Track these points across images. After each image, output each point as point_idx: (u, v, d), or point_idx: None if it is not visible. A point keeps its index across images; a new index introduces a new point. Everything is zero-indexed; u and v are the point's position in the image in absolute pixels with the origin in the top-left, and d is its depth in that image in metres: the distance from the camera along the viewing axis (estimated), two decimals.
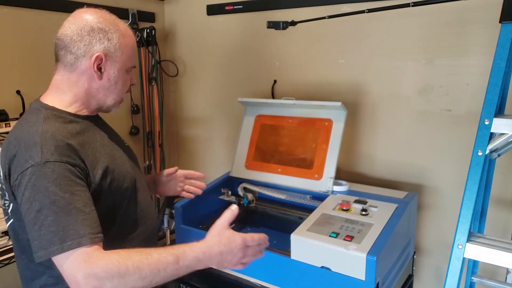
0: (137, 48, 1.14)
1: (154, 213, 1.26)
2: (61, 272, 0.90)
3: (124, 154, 1.18)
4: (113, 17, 1.08)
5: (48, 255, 0.88)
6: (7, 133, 1.63)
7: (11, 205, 1.02)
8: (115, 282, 0.87)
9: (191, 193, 1.43)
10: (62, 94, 1.07)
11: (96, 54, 1.03)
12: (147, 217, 1.19)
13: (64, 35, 1.04)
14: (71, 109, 1.07)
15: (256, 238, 1.01)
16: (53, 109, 1.04)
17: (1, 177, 1.03)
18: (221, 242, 0.97)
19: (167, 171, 1.40)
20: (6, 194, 1.02)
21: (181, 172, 1.42)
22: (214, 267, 0.99)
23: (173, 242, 1.71)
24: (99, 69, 1.05)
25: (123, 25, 1.09)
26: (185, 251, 0.95)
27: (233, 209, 1.02)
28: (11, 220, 1.05)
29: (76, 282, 0.87)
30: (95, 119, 1.13)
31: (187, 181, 1.43)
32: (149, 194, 1.24)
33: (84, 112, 1.09)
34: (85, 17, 1.04)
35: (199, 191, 1.44)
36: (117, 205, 1.08)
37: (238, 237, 0.98)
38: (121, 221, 1.10)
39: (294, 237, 1.32)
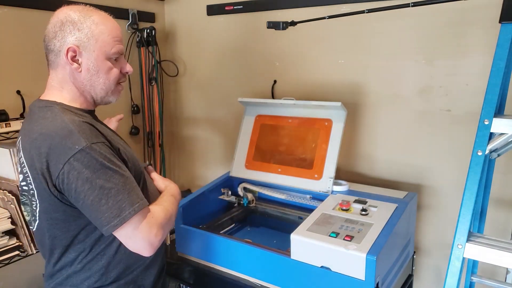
0: (119, 34, 1.12)
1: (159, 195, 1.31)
2: (129, 239, 1.00)
3: (126, 144, 1.22)
4: (87, 8, 1.09)
5: (122, 221, 0.96)
6: (7, 133, 1.63)
7: (39, 205, 1.04)
8: (169, 225, 1.10)
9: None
10: (59, 92, 1.10)
11: (67, 47, 1.04)
12: (155, 192, 1.25)
13: (45, 35, 1.09)
14: (75, 104, 1.11)
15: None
16: (62, 104, 1.08)
17: (29, 178, 1.03)
18: (172, 183, 1.28)
19: (116, 118, 1.49)
20: (35, 194, 1.03)
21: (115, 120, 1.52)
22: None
23: (173, 242, 1.71)
24: (76, 61, 1.06)
25: (98, 14, 1.09)
26: (171, 193, 1.22)
27: (150, 169, 1.30)
28: (37, 221, 1.07)
29: (148, 240, 1.00)
30: (94, 115, 1.17)
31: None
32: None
33: (87, 107, 1.14)
34: (58, 14, 1.07)
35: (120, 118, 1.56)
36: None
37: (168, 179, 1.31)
38: None
39: (294, 237, 1.32)
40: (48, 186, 0.99)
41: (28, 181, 1.04)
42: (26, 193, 1.08)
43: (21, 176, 1.08)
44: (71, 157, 0.95)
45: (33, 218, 1.09)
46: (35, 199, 1.04)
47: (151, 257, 1.13)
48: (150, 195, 1.21)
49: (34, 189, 1.03)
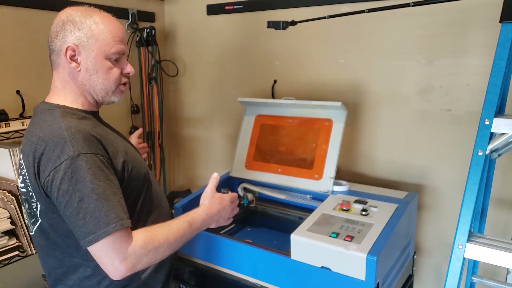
0: (121, 34, 1.12)
1: (165, 196, 1.31)
2: (97, 258, 0.96)
3: (130, 145, 1.23)
4: (90, 9, 1.09)
5: (97, 238, 0.93)
6: (6, 133, 1.63)
7: (39, 206, 1.04)
8: (150, 256, 0.99)
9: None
10: (62, 93, 1.10)
11: (66, 46, 1.05)
12: (162, 199, 1.25)
13: (48, 36, 1.09)
14: (77, 106, 1.10)
15: (235, 195, 1.28)
16: (64, 107, 1.08)
17: (27, 180, 1.04)
18: (216, 203, 1.20)
19: (136, 133, 1.54)
20: (34, 196, 1.04)
21: (134, 136, 1.54)
22: (212, 226, 1.21)
23: None
24: (75, 60, 1.06)
25: (99, 14, 1.09)
26: (193, 216, 1.13)
27: (215, 177, 1.23)
28: (39, 221, 1.07)
29: (112, 266, 0.95)
30: (98, 116, 1.16)
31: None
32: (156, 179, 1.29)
33: (89, 108, 1.13)
34: (61, 14, 1.07)
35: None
36: (139, 191, 1.14)
37: (226, 196, 1.23)
38: (142, 205, 1.15)
39: (294, 237, 1.32)
40: (40, 190, 1.00)
41: (27, 183, 1.05)
42: (25, 195, 1.09)
43: (20, 178, 1.09)
44: (57, 166, 0.95)
45: (34, 219, 1.09)
46: (34, 200, 1.05)
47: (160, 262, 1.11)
48: (156, 195, 1.21)
49: (32, 191, 1.04)
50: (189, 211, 1.15)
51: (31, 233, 1.13)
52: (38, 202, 1.04)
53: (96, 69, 1.08)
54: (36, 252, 1.60)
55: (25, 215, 1.14)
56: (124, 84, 1.16)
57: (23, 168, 1.06)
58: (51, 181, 0.95)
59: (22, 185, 1.08)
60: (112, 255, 0.94)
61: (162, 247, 1.02)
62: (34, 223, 1.09)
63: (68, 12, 1.07)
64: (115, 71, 1.11)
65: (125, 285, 1.11)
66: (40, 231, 1.09)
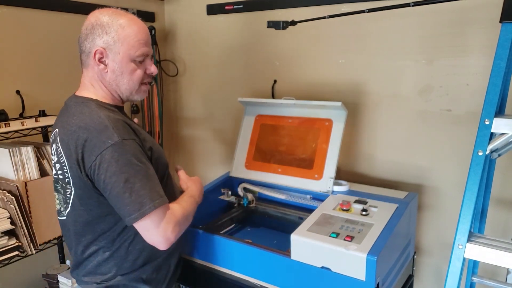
0: (145, 37, 1.18)
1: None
2: (146, 231, 1.07)
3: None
4: (117, 12, 1.15)
5: (142, 215, 1.04)
6: (6, 133, 1.63)
7: (73, 192, 1.13)
8: (186, 224, 1.18)
9: None
10: (92, 89, 1.19)
11: (95, 49, 1.12)
12: (177, 189, 1.35)
13: (79, 37, 1.17)
14: (106, 101, 1.19)
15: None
16: (96, 101, 1.17)
17: (65, 167, 1.11)
18: (195, 184, 1.35)
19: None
20: (70, 181, 1.12)
21: None
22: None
23: None
24: (103, 62, 1.14)
25: (126, 17, 1.15)
26: (190, 194, 1.29)
27: (179, 168, 1.40)
28: (69, 208, 1.17)
29: (164, 235, 1.07)
30: (123, 111, 1.25)
31: None
32: None
33: (116, 103, 1.21)
34: (90, 17, 1.15)
35: None
36: (160, 178, 1.20)
37: (195, 178, 1.39)
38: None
39: (294, 237, 1.32)
40: (82, 175, 1.08)
41: (65, 170, 1.12)
42: (61, 182, 1.15)
43: (57, 165, 1.15)
44: (103, 150, 1.03)
45: (65, 205, 1.16)
46: (70, 186, 1.12)
47: (173, 245, 1.18)
48: (172, 189, 1.29)
49: (70, 177, 1.12)
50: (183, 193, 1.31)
51: (62, 218, 1.21)
52: (73, 188, 1.12)
53: (122, 71, 1.16)
54: (36, 252, 1.60)
55: (57, 201, 1.22)
56: (147, 83, 1.24)
57: (61, 156, 1.12)
58: (99, 164, 1.03)
59: (60, 171, 1.14)
60: (163, 225, 1.07)
61: (190, 216, 1.21)
62: (65, 209, 1.18)
63: (97, 16, 1.14)
64: (139, 72, 1.19)
65: (140, 267, 1.20)
66: (68, 217, 1.17)
